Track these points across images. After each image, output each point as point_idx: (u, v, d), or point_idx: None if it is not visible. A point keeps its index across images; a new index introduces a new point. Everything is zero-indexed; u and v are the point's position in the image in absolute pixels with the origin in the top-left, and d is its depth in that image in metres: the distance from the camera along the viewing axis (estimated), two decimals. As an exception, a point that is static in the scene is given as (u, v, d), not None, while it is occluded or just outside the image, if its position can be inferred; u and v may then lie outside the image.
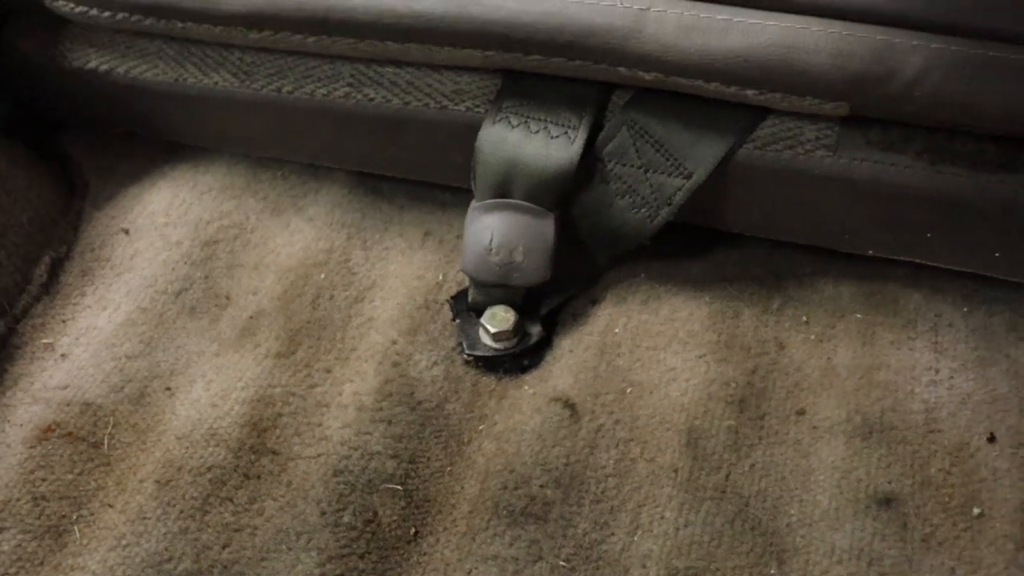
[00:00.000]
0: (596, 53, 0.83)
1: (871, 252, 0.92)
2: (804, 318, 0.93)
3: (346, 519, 0.82)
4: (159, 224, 1.00)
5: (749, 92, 0.82)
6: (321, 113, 0.94)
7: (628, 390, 0.88)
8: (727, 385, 0.88)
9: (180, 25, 0.92)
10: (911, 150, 0.84)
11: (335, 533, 0.81)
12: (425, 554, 0.81)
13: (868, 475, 0.83)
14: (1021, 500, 0.82)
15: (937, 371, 0.89)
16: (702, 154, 0.87)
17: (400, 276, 0.97)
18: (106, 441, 0.87)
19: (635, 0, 0.83)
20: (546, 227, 0.89)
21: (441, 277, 0.97)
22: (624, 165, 0.89)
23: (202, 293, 0.96)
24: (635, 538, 0.80)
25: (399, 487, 0.84)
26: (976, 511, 0.81)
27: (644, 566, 0.79)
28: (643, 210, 0.89)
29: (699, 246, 0.98)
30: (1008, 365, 0.90)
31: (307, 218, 1.01)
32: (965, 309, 0.93)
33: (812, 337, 0.92)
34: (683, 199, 0.88)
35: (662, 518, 0.81)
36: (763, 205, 0.91)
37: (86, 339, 0.94)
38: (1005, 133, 0.81)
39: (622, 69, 0.84)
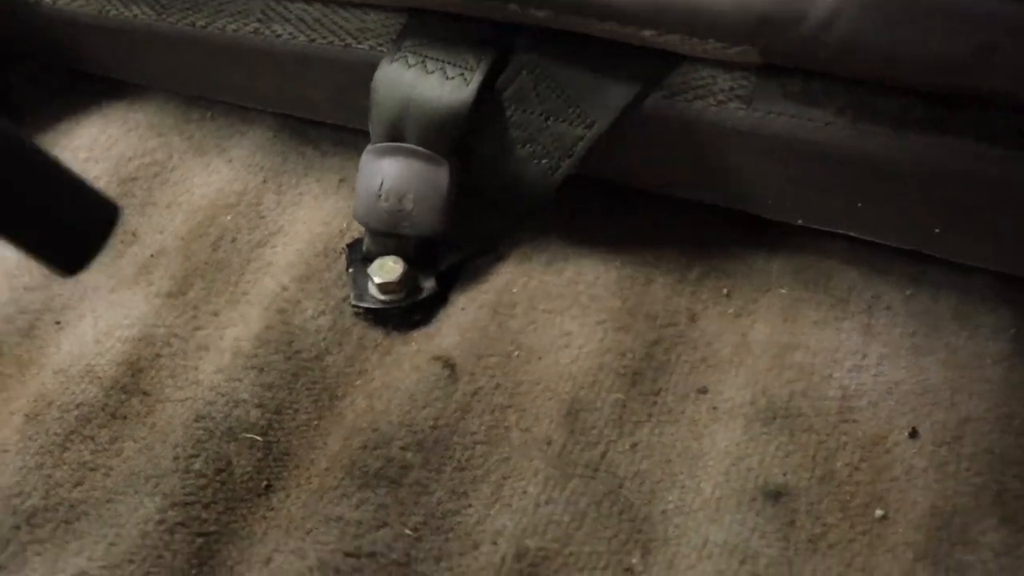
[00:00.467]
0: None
1: (800, 221, 0.82)
2: (725, 290, 0.84)
3: (197, 466, 0.77)
4: (80, 159, 0.97)
5: (646, 33, 0.74)
6: (233, 49, 0.89)
7: (515, 353, 0.81)
8: (623, 355, 0.80)
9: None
10: (832, 105, 0.74)
11: (183, 479, 0.76)
12: (272, 509, 0.75)
13: (761, 464, 0.74)
14: (932, 504, 0.71)
15: (864, 356, 0.79)
16: (605, 101, 0.79)
17: (307, 222, 0.91)
18: (-15, 372, 0.84)
19: (529, -68, 0.75)
20: (439, 174, 0.82)
21: (346, 225, 0.90)
22: (524, 111, 0.82)
23: (111, 229, 0.93)
24: (492, 511, 0.73)
25: (259, 438, 0.78)
26: (879, 513, 0.71)
27: (495, 542, 0.72)
28: (544, 161, 0.82)
29: (619, 206, 0.89)
30: (946, 355, 0.79)
31: (227, 159, 0.97)
32: (908, 292, 0.82)
33: (730, 311, 0.83)
34: (585, 150, 0.80)
35: (524, 492, 0.74)
36: (676, 161, 0.82)
37: (-11, 269, 0.91)
38: (932, 88, 0.71)
39: (513, 5, 0.76)
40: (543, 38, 0.81)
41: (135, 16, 0.91)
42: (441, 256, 0.85)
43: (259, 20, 0.87)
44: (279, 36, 0.87)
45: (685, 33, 0.73)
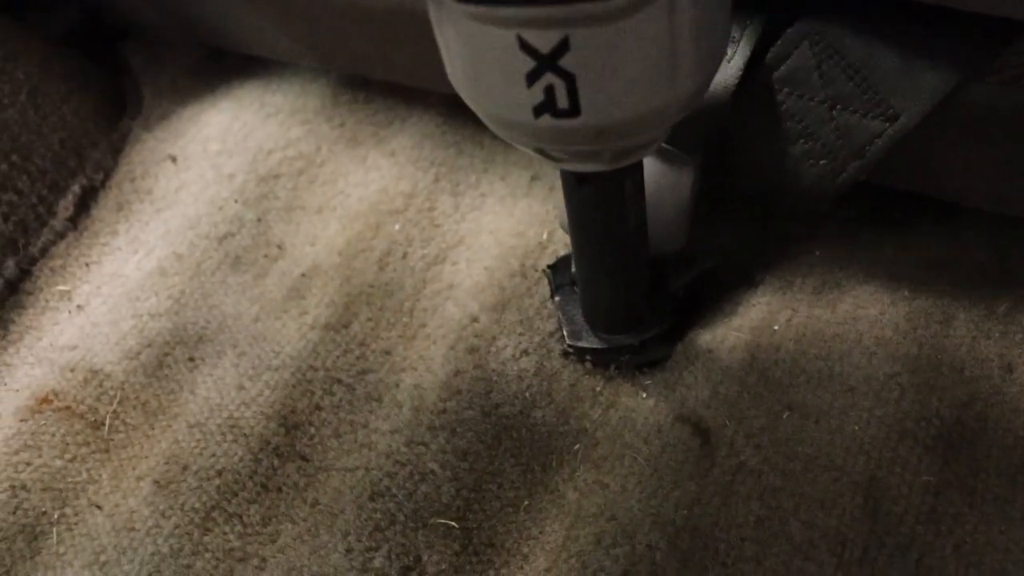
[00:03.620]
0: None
1: None
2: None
3: (377, 563, 0.54)
4: (212, 152, 0.73)
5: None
6: (393, 16, 0.64)
7: (785, 416, 0.56)
8: (928, 421, 0.55)
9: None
10: None
11: (362, 581, 0.53)
12: (479, 623, 0.52)
13: None
14: None
15: None
16: (916, 87, 0.53)
17: (495, 232, 0.67)
18: (108, 421, 0.62)
19: None
20: (683, 176, 0.57)
21: (546, 236, 0.66)
22: (802, 97, 0.56)
23: (251, 240, 0.69)
24: (776, 638, 0.49)
25: (455, 524, 0.55)
26: None
27: None
28: (824, 161, 0.56)
29: (900, 217, 0.64)
30: None
31: (389, 152, 0.72)
32: None
33: (1058, 357, 0.58)
34: (882, 151, 0.55)
35: (819, 613, 0.50)
36: (1004, 166, 0.56)
37: (108, 288, 0.68)
38: None
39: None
40: (833, 1, 0.55)
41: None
42: (673, 276, 0.61)
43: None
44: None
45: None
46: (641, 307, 0.58)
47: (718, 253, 0.62)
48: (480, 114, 0.44)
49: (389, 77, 0.72)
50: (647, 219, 0.54)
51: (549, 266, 0.63)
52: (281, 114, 0.75)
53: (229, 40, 0.76)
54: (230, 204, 0.70)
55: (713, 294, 0.62)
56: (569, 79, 0.39)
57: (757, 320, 0.60)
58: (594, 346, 0.60)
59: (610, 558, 0.53)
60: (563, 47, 0.37)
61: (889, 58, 0.54)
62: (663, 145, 0.56)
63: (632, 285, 0.57)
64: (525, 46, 0.38)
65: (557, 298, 0.62)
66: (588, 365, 0.60)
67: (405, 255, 0.67)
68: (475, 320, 0.63)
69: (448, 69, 0.44)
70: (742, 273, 0.63)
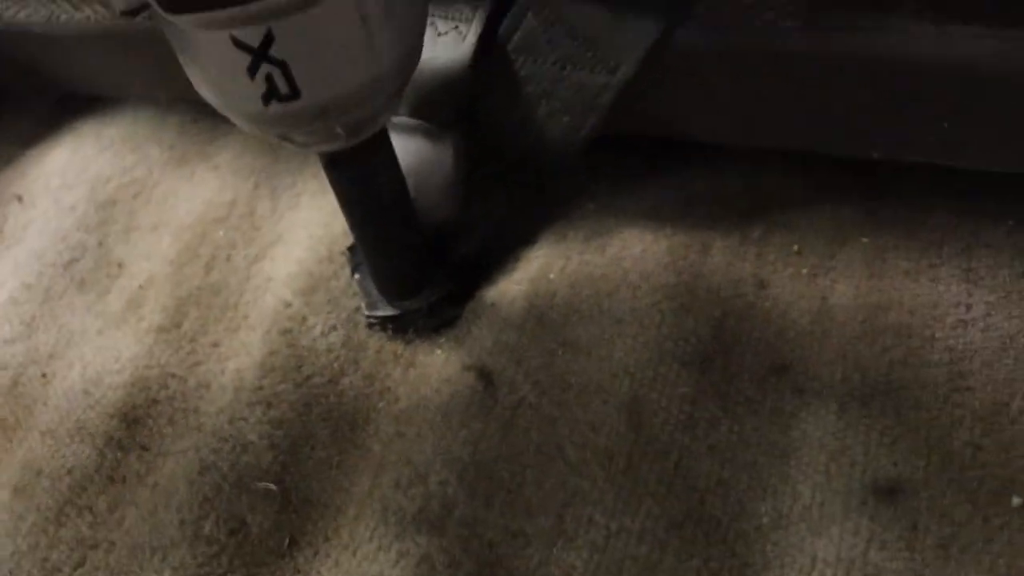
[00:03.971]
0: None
1: (875, 155, 0.63)
2: (794, 247, 0.65)
3: (207, 529, 0.60)
4: (54, 187, 0.80)
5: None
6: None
7: (560, 352, 0.62)
8: (685, 340, 0.61)
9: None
10: (907, 7, 0.54)
11: (193, 548, 0.59)
12: (299, 572, 0.58)
13: (866, 455, 0.56)
14: (1083, 480, 0.53)
15: (968, 307, 0.60)
16: (628, 40, 0.59)
17: (307, 226, 0.73)
18: (-31, 440, 0.68)
19: None
20: (443, 151, 0.64)
21: (351, 224, 0.72)
22: (536, 62, 0.62)
23: (94, 263, 0.75)
24: (555, 551, 0.55)
25: (274, 486, 0.61)
26: (1016, 501, 0.53)
27: (563, 587, 0.54)
28: (566, 118, 0.63)
29: (657, 163, 0.70)
30: (1068, 293, 0.60)
31: (213, 167, 0.79)
32: (1010, 223, 0.63)
33: (804, 272, 0.64)
34: (611, 100, 0.61)
35: (590, 522, 0.56)
36: (723, 103, 0.63)
37: (-33, 322, 0.74)
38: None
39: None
40: None
41: (88, 18, 0.73)
42: (453, 246, 0.67)
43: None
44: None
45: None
46: (421, 272, 0.64)
47: (495, 219, 0.68)
48: (224, 113, 0.50)
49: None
50: (408, 191, 0.61)
51: (348, 248, 0.69)
52: (115, 144, 0.81)
53: (62, 81, 0.82)
54: (73, 233, 0.77)
55: (497, 255, 0.68)
56: (283, 66, 0.45)
57: (535, 272, 0.66)
58: (388, 313, 0.66)
59: (407, 498, 0.59)
60: (269, 38, 0.43)
61: (602, 17, 0.60)
62: (418, 122, 0.63)
63: (405, 253, 0.63)
64: (238, 43, 0.44)
65: (356, 276, 0.68)
66: (390, 332, 0.66)
67: (229, 257, 0.73)
68: (288, 305, 0.69)
69: (194, 83, 0.50)
70: (523, 233, 0.69)
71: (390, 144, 0.57)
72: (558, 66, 0.61)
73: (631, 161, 0.70)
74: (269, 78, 0.45)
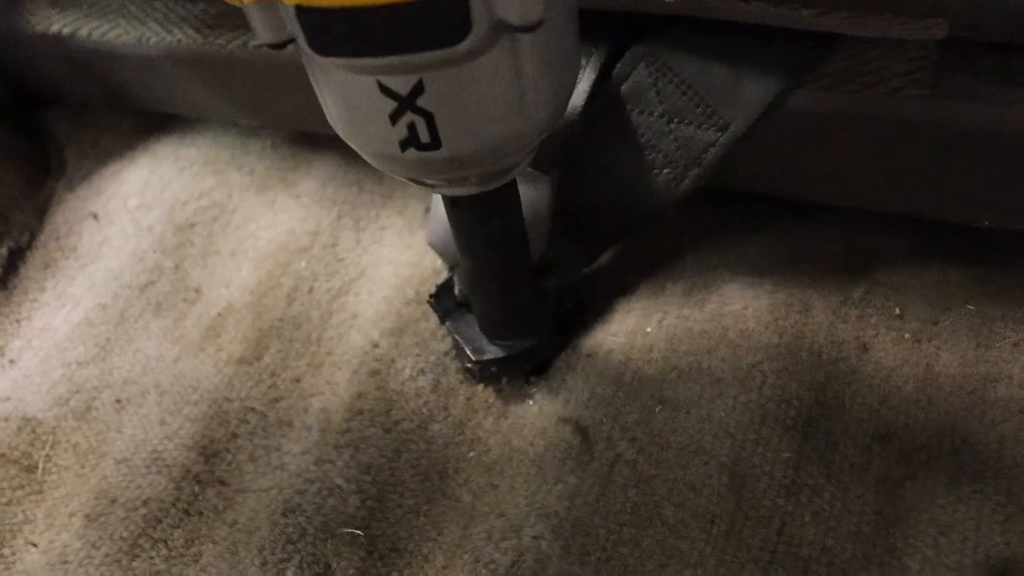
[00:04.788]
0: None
1: (987, 223, 0.63)
2: (897, 310, 0.65)
3: (290, 572, 0.60)
4: (131, 207, 0.80)
5: (805, 12, 0.55)
6: (292, 68, 0.71)
7: (657, 409, 0.62)
8: (788, 403, 0.61)
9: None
10: (1035, 81, 0.55)
11: (276, 591, 0.59)
12: (385, 621, 0.58)
13: (977, 532, 0.56)
14: None
15: (1081, 383, 0.60)
16: (742, 98, 0.60)
17: (393, 262, 0.73)
18: (41, 464, 0.68)
19: None
20: (540, 192, 0.64)
21: (440, 263, 0.72)
22: (643, 112, 0.63)
23: (170, 286, 0.75)
24: (653, 611, 0.55)
25: (360, 532, 0.61)
26: None
27: (661, 651, 0.54)
28: (666, 171, 0.63)
29: (761, 219, 0.71)
30: None
31: (295, 195, 0.79)
32: (1124, 296, 0.63)
33: (907, 336, 0.64)
34: (717, 158, 0.61)
35: (690, 585, 0.56)
36: (836, 165, 0.63)
37: (39, 342, 0.75)
38: None
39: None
40: (663, 23, 0.61)
41: (178, 41, 0.74)
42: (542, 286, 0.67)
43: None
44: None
45: (854, 8, 0.54)
46: (531, 313, 0.65)
47: (578, 264, 0.68)
48: (356, 150, 0.50)
49: (293, 125, 0.79)
50: (526, 232, 0.60)
51: (431, 295, 0.68)
52: (195, 166, 0.81)
53: (146, 101, 0.82)
54: (150, 254, 0.77)
55: (593, 304, 0.68)
56: (428, 116, 0.44)
57: (632, 324, 0.66)
58: (498, 355, 0.65)
59: (499, 551, 0.59)
60: (418, 89, 0.42)
61: (717, 72, 0.60)
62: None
63: (520, 291, 0.63)
64: (385, 90, 0.43)
65: (448, 323, 0.67)
66: (491, 378, 0.66)
67: (311, 289, 0.73)
68: (376, 345, 0.69)
69: (326, 114, 0.50)
70: (618, 281, 0.69)
71: (516, 189, 0.57)
72: (665, 119, 0.62)
73: (731, 214, 0.70)
74: (411, 127, 0.44)
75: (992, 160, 0.58)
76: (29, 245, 0.80)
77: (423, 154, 0.46)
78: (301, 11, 0.39)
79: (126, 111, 0.86)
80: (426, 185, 0.51)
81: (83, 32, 0.77)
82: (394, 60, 0.41)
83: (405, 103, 0.43)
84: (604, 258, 0.70)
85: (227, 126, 0.84)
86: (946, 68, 0.56)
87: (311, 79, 0.48)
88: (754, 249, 0.69)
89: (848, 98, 0.58)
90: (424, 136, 0.45)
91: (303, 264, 0.75)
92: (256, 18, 0.41)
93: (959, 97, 0.56)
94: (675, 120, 0.61)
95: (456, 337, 0.67)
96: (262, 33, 0.42)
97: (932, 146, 0.59)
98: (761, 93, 0.59)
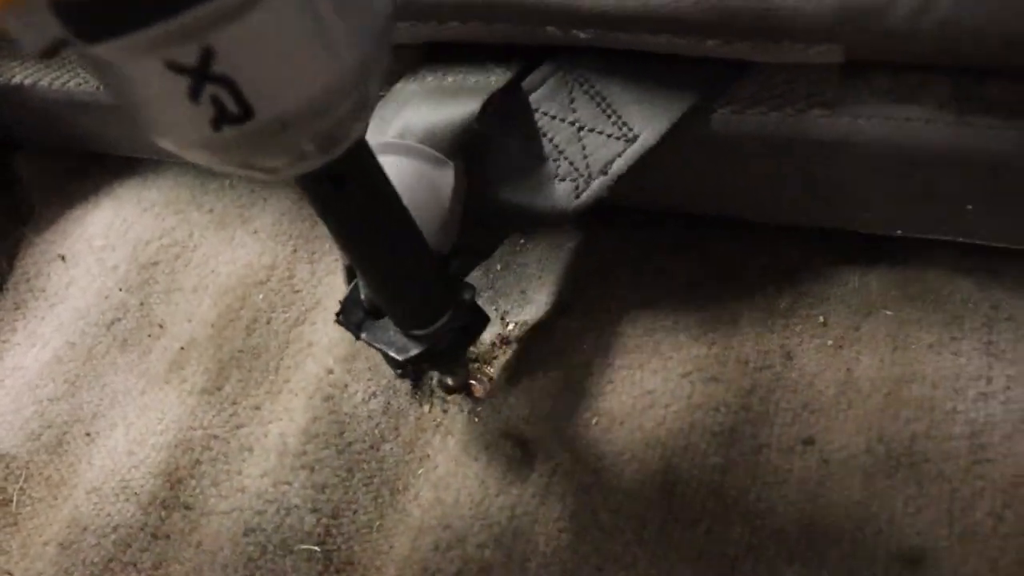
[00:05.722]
0: (517, 11, 0.63)
1: (900, 232, 0.69)
2: (820, 319, 0.71)
3: (252, 589, 0.65)
4: (96, 248, 0.86)
5: (709, 43, 0.61)
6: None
7: (594, 422, 0.68)
8: (716, 411, 0.67)
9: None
10: (932, 100, 0.60)
11: (238, 607, 0.65)
12: (341, 632, 0.64)
13: (891, 525, 0.61)
14: (1102, 553, 0.58)
15: (989, 380, 0.66)
16: (653, 112, 0.65)
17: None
18: (15, 497, 0.74)
19: (558, -58, 0.62)
20: (442, 177, 0.66)
21: (389, 291, 0.78)
22: (554, 118, 0.67)
23: (136, 323, 0.81)
24: (589, 611, 0.61)
25: (317, 548, 0.67)
26: (1039, 570, 0.58)
27: (597, 648, 0.60)
28: (570, 179, 0.67)
29: (690, 237, 0.76)
30: (1087, 368, 0.65)
31: (252, 231, 0.85)
32: (1032, 297, 0.69)
33: (829, 343, 0.69)
34: (623, 168, 0.66)
35: (623, 585, 0.61)
36: (754, 183, 0.69)
37: (11, 381, 0.80)
38: (1054, 69, 0.57)
39: (552, 29, 0.63)
40: (581, 51, 0.67)
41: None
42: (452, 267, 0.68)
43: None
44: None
45: (755, 38, 0.59)
46: (441, 293, 0.63)
47: (481, 254, 0.71)
48: (177, 151, 0.45)
49: None
50: (406, 208, 0.58)
51: (337, 314, 0.67)
52: (157, 207, 0.87)
53: (108, 146, 0.88)
54: (115, 293, 0.83)
55: (534, 323, 0.74)
56: (229, 83, 0.41)
57: (568, 342, 0.72)
58: (422, 348, 0.63)
59: (446, 560, 0.64)
60: (208, 55, 0.40)
61: (630, 87, 0.66)
62: (423, 147, 0.65)
63: (418, 273, 0.61)
64: (173, 66, 0.40)
65: (364, 335, 0.66)
66: (426, 369, 0.71)
67: (269, 320, 0.79)
68: (330, 372, 0.75)
69: (136, 124, 0.45)
70: (554, 300, 0.75)
71: (373, 157, 0.55)
72: (575, 127, 0.67)
73: (662, 233, 0.76)
74: (215, 100, 0.41)
75: (896, 172, 0.64)
76: (0, 288, 0.86)
77: (240, 128, 0.42)
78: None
79: (89, 156, 0.92)
80: (269, 173, 0.48)
81: (44, 82, 0.83)
82: (171, 27, 0.38)
83: (199, 75, 0.40)
84: (543, 278, 0.76)
85: (186, 168, 0.89)
86: (845, 89, 0.62)
87: (113, 96, 0.44)
88: (684, 266, 0.75)
89: (759, 119, 0.64)
90: (232, 107, 0.41)
91: (261, 297, 0.80)
92: (14, 27, 0.38)
93: (858, 115, 0.62)
94: (585, 128, 0.66)
95: (377, 346, 0.65)
96: (28, 43, 0.39)
97: (839, 162, 0.64)
98: (672, 108, 0.65)
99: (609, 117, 0.66)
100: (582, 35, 0.63)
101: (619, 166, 0.66)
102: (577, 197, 0.67)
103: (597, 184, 0.66)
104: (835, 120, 0.62)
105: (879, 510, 0.62)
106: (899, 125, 0.61)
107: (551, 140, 0.67)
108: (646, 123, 0.65)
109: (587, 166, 0.67)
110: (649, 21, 0.61)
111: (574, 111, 0.67)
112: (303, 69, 0.42)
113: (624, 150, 0.66)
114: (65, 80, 0.82)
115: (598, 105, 0.66)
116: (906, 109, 0.61)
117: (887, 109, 0.61)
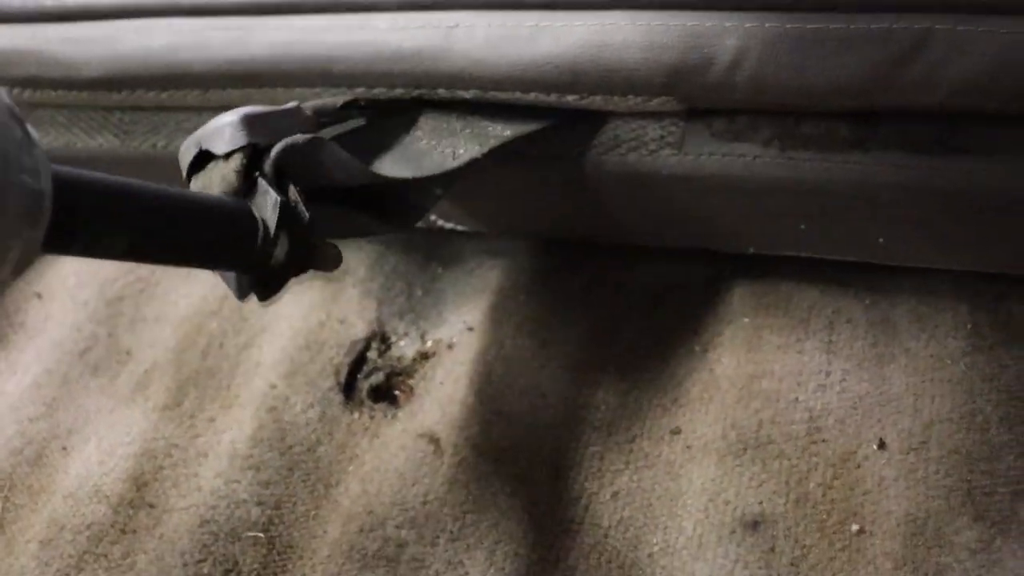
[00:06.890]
0: (410, 78, 0.79)
1: (752, 249, 0.84)
2: (693, 328, 0.86)
3: (206, 570, 0.80)
4: (70, 286, 1.01)
5: (569, 98, 0.76)
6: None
7: (495, 421, 0.83)
8: (596, 408, 0.82)
9: (53, 93, 0.92)
10: (759, 138, 0.76)
11: (194, 586, 0.79)
12: (282, 604, 0.78)
13: (737, 496, 0.76)
14: (905, 512, 0.73)
15: (827, 374, 0.81)
16: (476, 136, 0.79)
17: (288, 317, 0.95)
18: (0, 505, 0.88)
19: (444, 19, 0.78)
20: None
21: (325, 316, 0.94)
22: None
23: (105, 351, 0.96)
24: (487, 577, 0.76)
25: (261, 534, 0.81)
26: (855, 527, 0.73)
27: (494, 607, 0.74)
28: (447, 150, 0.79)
29: (581, 260, 0.92)
30: (907, 360, 0.81)
31: (206, 267, 1.00)
32: (867, 301, 0.85)
33: (696, 349, 0.85)
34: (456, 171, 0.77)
35: (516, 555, 0.76)
36: (626, 212, 0.84)
37: (-5, 405, 0.95)
38: (851, 109, 0.72)
39: (441, 91, 0.79)
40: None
41: (100, 145, 0.95)
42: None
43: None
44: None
45: (605, 93, 0.75)
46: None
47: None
48: None
49: None
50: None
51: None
52: (122, 248, 1.03)
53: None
54: (87, 325, 0.98)
55: (447, 340, 0.90)
56: None
57: (475, 354, 0.88)
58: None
59: (369, 540, 0.79)
60: None
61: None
62: None
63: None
64: None
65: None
66: (359, 400, 0.87)
67: (222, 345, 0.94)
68: (274, 387, 0.90)
69: None
70: (461, 319, 0.90)
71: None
72: (425, 142, 0.80)
73: (556, 257, 0.91)
74: None
75: (736, 201, 0.79)
76: (-16, 324, 1.01)
77: None
78: None
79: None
80: None
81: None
82: None
83: None
84: (456, 301, 0.91)
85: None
86: (689, 131, 0.78)
87: None
88: (576, 285, 0.90)
89: (619, 159, 0.80)
90: None
91: (215, 324, 0.96)
92: None
93: (701, 153, 0.77)
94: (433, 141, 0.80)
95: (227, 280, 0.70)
96: None
97: (690, 193, 0.80)
98: (508, 131, 0.79)
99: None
100: (466, 95, 0.79)
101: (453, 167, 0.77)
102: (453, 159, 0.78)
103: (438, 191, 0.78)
104: (682, 159, 0.78)
105: (728, 485, 0.77)
106: (734, 161, 0.77)
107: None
108: (469, 144, 0.78)
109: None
110: (519, 81, 0.77)
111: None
112: None
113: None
114: (47, 140, 0.98)
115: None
116: (739, 147, 0.77)
117: (724, 147, 0.77)
